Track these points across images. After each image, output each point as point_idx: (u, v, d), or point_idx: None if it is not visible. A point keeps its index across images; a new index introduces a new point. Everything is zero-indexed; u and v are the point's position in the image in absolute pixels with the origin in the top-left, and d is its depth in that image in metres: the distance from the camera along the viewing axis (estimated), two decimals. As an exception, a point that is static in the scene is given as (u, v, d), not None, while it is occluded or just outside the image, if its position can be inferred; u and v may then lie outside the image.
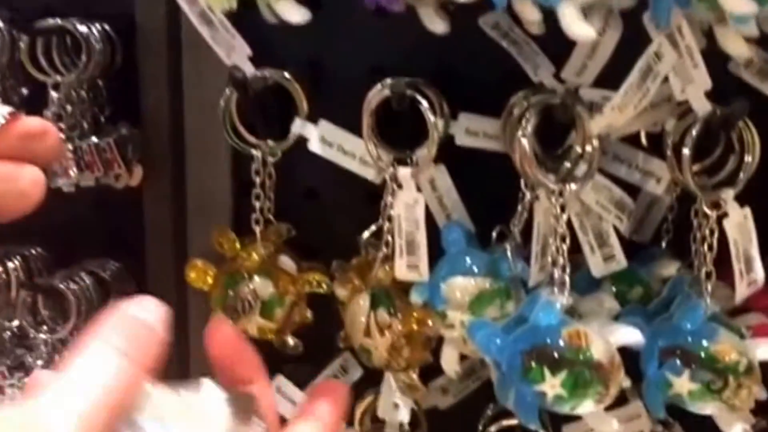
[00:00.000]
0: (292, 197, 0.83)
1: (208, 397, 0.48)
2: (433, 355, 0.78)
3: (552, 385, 0.67)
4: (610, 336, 0.68)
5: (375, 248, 0.76)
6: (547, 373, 0.66)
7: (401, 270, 0.73)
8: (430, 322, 0.72)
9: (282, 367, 0.82)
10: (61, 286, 0.88)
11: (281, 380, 0.82)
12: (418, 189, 0.73)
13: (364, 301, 0.74)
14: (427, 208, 0.75)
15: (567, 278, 0.68)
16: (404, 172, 0.72)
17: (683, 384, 0.70)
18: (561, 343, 0.66)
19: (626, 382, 0.69)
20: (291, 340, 0.80)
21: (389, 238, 0.73)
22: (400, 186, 0.72)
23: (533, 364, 0.67)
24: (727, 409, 0.71)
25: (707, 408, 0.71)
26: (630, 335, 0.69)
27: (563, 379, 0.66)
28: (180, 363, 0.86)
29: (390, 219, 0.72)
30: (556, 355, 0.66)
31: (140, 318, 0.45)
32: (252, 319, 0.79)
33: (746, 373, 0.69)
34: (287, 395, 0.82)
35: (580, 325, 0.67)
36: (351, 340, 0.74)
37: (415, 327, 0.73)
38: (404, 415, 0.79)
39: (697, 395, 0.70)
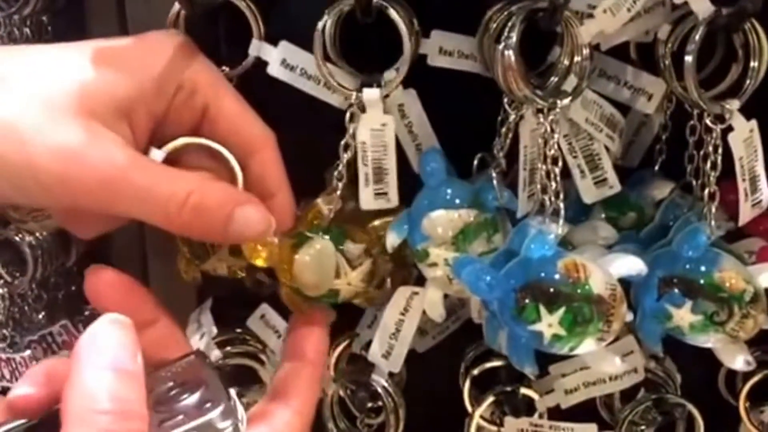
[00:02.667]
0: None
1: None
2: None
3: (549, 324, 0.57)
4: (609, 266, 0.59)
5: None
6: (543, 310, 0.57)
7: (368, 199, 0.62)
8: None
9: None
10: (17, 238, 0.79)
11: (266, 309, 0.72)
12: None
13: (323, 245, 0.62)
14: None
15: (561, 205, 0.58)
16: (371, 94, 0.61)
17: (684, 316, 0.61)
18: (557, 276, 0.57)
19: (629, 316, 0.60)
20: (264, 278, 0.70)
21: (342, 170, 0.62)
22: (364, 110, 0.61)
23: (527, 301, 0.57)
24: (731, 341, 0.62)
25: (709, 341, 0.62)
26: (632, 265, 0.59)
27: (561, 316, 0.56)
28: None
29: (347, 147, 0.62)
30: (552, 290, 0.57)
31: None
32: (221, 256, 0.69)
33: (752, 301, 0.60)
34: (271, 325, 0.73)
35: (577, 256, 0.58)
36: (310, 291, 0.63)
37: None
38: (395, 364, 0.69)
39: (699, 328, 0.61)
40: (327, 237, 0.61)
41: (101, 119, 0.52)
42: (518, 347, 0.60)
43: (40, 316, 0.82)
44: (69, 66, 0.53)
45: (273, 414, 0.55)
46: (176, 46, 0.57)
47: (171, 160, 0.57)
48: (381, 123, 0.61)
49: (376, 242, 0.62)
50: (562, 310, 0.56)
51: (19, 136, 0.50)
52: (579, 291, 0.56)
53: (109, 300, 0.54)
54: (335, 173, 0.62)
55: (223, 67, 0.64)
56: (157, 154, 0.56)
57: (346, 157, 0.61)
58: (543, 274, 0.57)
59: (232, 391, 0.50)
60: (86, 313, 0.82)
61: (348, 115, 0.61)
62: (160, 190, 0.52)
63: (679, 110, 0.64)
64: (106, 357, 0.46)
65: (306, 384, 0.58)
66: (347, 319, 0.73)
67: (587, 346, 0.58)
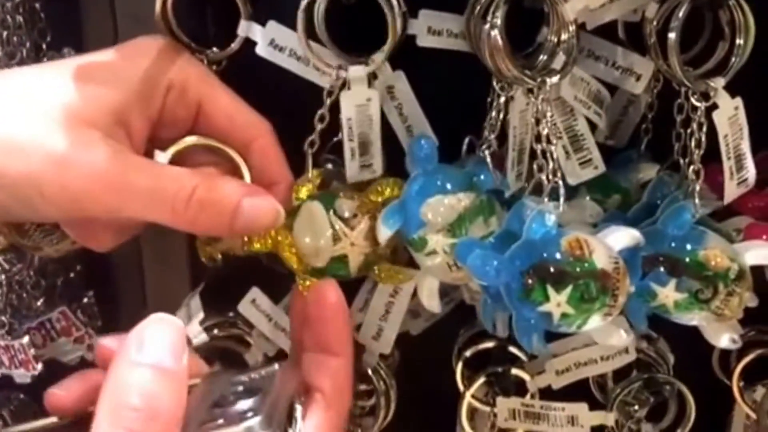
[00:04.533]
0: None
1: None
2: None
3: (557, 304, 0.55)
4: (607, 239, 0.57)
5: (334, 164, 0.64)
6: (550, 290, 0.55)
7: (353, 171, 0.61)
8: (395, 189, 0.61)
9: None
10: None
11: (257, 293, 0.69)
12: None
13: (311, 206, 0.59)
14: (384, 119, 0.62)
15: (560, 183, 0.57)
16: (355, 70, 0.59)
17: (668, 294, 0.60)
18: (561, 255, 0.55)
19: (631, 289, 0.58)
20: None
21: (315, 139, 0.60)
22: (349, 87, 0.59)
23: (534, 282, 0.55)
24: (716, 319, 0.61)
25: (694, 319, 0.61)
26: (629, 236, 0.58)
27: (568, 294, 0.55)
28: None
29: (322, 119, 0.60)
30: (557, 269, 0.55)
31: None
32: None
33: (737, 279, 0.59)
34: (262, 309, 0.69)
35: (579, 233, 0.56)
36: (314, 261, 0.60)
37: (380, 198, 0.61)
38: (386, 345, 0.67)
39: (684, 306, 0.60)
40: (315, 201, 0.59)
41: (99, 127, 0.51)
42: (528, 330, 0.58)
43: (39, 303, 0.79)
44: (61, 81, 0.53)
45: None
46: (160, 48, 0.57)
47: (176, 162, 0.56)
48: (366, 98, 0.59)
49: (369, 203, 0.60)
50: (569, 289, 0.54)
51: (21, 148, 0.50)
52: (584, 268, 0.55)
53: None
54: (307, 142, 0.60)
55: (213, 48, 0.62)
56: (162, 157, 0.56)
57: (320, 127, 0.60)
58: (546, 254, 0.55)
59: (298, 408, 0.49)
60: (85, 300, 0.80)
61: (327, 90, 0.60)
62: (164, 188, 0.52)
63: (668, 89, 0.63)
64: (146, 354, 0.44)
65: (337, 377, 0.53)
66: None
67: (594, 322, 0.56)
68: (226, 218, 0.52)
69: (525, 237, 0.55)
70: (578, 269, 0.54)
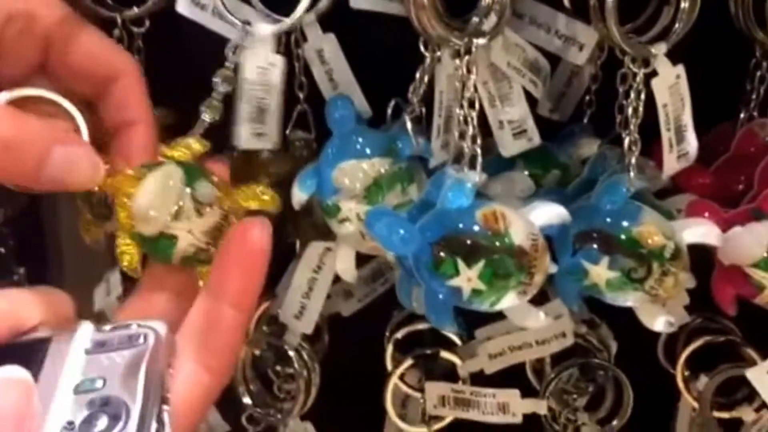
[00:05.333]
0: (170, 80, 0.63)
1: None
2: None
3: (468, 278, 0.51)
4: (529, 215, 0.53)
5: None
6: (461, 264, 0.51)
7: (244, 136, 0.56)
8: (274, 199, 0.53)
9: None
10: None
11: None
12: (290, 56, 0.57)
13: (173, 174, 0.49)
14: (313, 84, 0.59)
15: (478, 151, 0.53)
16: (261, 29, 0.54)
17: (600, 272, 0.55)
18: (475, 228, 0.51)
19: (553, 268, 0.54)
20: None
21: (216, 103, 0.54)
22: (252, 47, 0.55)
23: (444, 255, 0.51)
24: (650, 299, 0.56)
25: (628, 299, 0.57)
26: (554, 212, 0.54)
27: (480, 270, 0.51)
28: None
29: (226, 80, 0.54)
30: (470, 242, 0.51)
31: None
32: None
33: (672, 258, 0.55)
34: None
35: (497, 205, 0.52)
36: (142, 225, 0.49)
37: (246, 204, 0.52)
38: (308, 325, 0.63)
39: (616, 285, 0.55)
40: (179, 167, 0.50)
41: None
42: (436, 305, 0.54)
43: (-37, 280, 0.75)
44: None
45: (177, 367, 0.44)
46: None
47: None
48: (268, 62, 0.55)
49: (234, 203, 0.51)
50: (481, 263, 0.50)
51: None
52: (499, 242, 0.51)
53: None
54: (204, 104, 0.54)
55: (133, 8, 0.59)
56: None
57: (222, 90, 0.54)
58: (461, 226, 0.51)
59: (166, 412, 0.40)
60: (15, 277, 0.74)
61: (233, 47, 0.55)
62: None
63: (614, 60, 0.58)
64: None
65: (225, 335, 0.45)
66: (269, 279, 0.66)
67: (509, 300, 0.52)
68: (31, 165, 0.45)
69: (439, 206, 0.52)
70: (493, 243, 0.50)
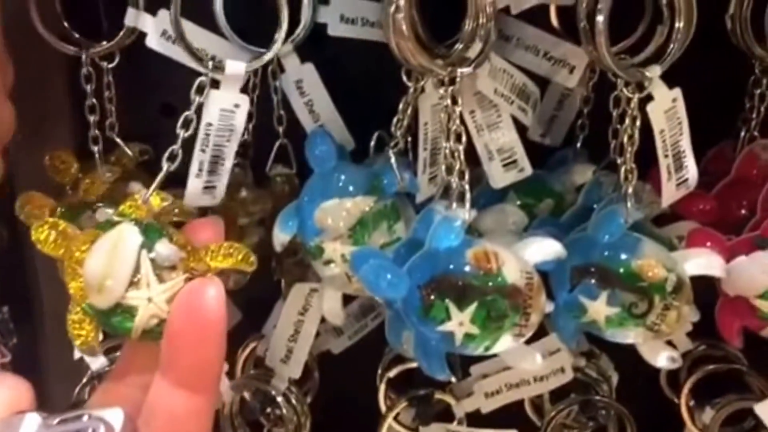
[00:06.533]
0: (145, 112, 0.63)
1: None
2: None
3: (460, 322, 0.48)
4: (523, 252, 0.50)
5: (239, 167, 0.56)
6: (452, 307, 0.47)
7: (194, 192, 0.50)
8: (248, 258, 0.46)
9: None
10: None
11: None
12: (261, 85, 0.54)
13: (126, 235, 0.43)
14: (293, 117, 0.56)
15: (467, 187, 0.49)
16: (232, 67, 0.50)
17: (599, 309, 0.52)
18: (466, 268, 0.47)
19: (549, 307, 0.51)
20: None
21: (177, 151, 0.48)
22: (217, 86, 0.50)
23: (434, 298, 0.47)
24: (652, 335, 0.53)
25: (629, 336, 0.53)
26: (548, 249, 0.50)
27: (473, 312, 0.47)
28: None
29: (187, 124, 0.49)
30: (461, 283, 0.47)
31: None
32: None
33: (674, 291, 0.51)
34: None
35: (488, 244, 0.49)
36: (95, 297, 0.43)
37: (226, 264, 0.44)
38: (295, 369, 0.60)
39: (616, 321, 0.52)
40: (134, 226, 0.44)
41: None
42: (428, 351, 0.51)
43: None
44: None
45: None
46: None
47: None
48: (233, 103, 0.50)
49: (202, 264, 0.44)
50: (473, 306, 0.47)
51: None
52: (492, 283, 0.47)
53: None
54: (166, 154, 0.48)
55: (103, 42, 0.56)
56: None
57: (182, 134, 0.48)
58: (451, 267, 0.47)
59: None
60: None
61: (196, 86, 0.50)
62: None
63: (606, 82, 0.55)
64: None
65: (183, 425, 0.39)
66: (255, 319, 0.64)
67: (504, 343, 0.49)
68: None
69: (427, 246, 0.48)
70: (485, 284, 0.47)
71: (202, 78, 0.49)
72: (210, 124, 0.50)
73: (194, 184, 0.50)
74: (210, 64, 0.49)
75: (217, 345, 0.38)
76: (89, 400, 0.43)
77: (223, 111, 0.50)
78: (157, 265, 0.42)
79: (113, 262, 0.42)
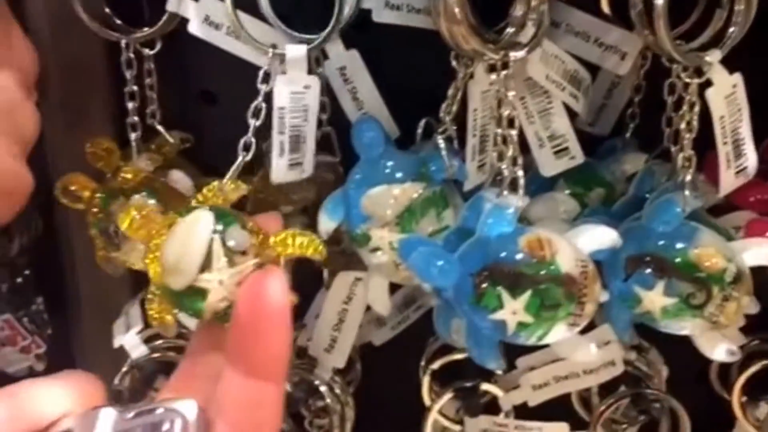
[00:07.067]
0: (185, 101, 0.62)
1: None
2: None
3: (513, 311, 0.47)
4: (577, 240, 0.49)
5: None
6: (505, 296, 0.46)
7: (280, 170, 0.51)
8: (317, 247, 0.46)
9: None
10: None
11: None
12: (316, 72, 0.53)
13: (201, 221, 0.44)
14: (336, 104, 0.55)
15: (520, 173, 0.48)
16: (294, 51, 0.50)
17: (655, 299, 0.51)
18: (519, 256, 0.47)
19: (604, 296, 0.49)
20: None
21: (250, 141, 0.50)
22: (284, 71, 0.50)
23: (487, 286, 0.46)
24: (710, 327, 0.52)
25: (685, 327, 0.52)
26: (603, 236, 0.49)
27: (526, 301, 0.46)
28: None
29: (257, 113, 0.50)
30: (514, 271, 0.46)
31: None
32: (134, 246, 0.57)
33: (734, 282, 0.50)
34: None
35: (542, 231, 0.48)
36: (170, 278, 0.44)
37: (295, 253, 0.45)
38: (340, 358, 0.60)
39: (673, 312, 0.51)
40: (208, 213, 0.44)
41: None
42: (479, 340, 0.50)
43: (-21, 311, 0.73)
44: None
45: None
46: None
47: None
48: (303, 85, 0.51)
49: (271, 251, 0.45)
50: (527, 294, 0.46)
51: None
52: (545, 271, 0.46)
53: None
54: (241, 143, 0.49)
55: (144, 28, 0.56)
56: None
57: (254, 123, 0.50)
58: (503, 254, 0.47)
59: None
60: (33, 307, 0.72)
61: (262, 75, 0.50)
62: None
63: (658, 69, 0.54)
64: None
65: (256, 412, 0.40)
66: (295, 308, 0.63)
67: (558, 333, 0.48)
68: None
69: (479, 234, 0.47)
70: (538, 272, 0.46)
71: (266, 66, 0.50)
72: (282, 108, 0.50)
73: (279, 162, 0.51)
74: (270, 51, 0.50)
75: (282, 334, 0.38)
76: (161, 393, 0.43)
77: (294, 93, 0.50)
78: (228, 249, 0.43)
79: (188, 245, 0.43)
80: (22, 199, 0.47)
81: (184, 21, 0.54)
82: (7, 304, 0.72)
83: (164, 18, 0.55)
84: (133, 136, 0.58)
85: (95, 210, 0.58)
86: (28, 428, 0.37)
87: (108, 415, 0.37)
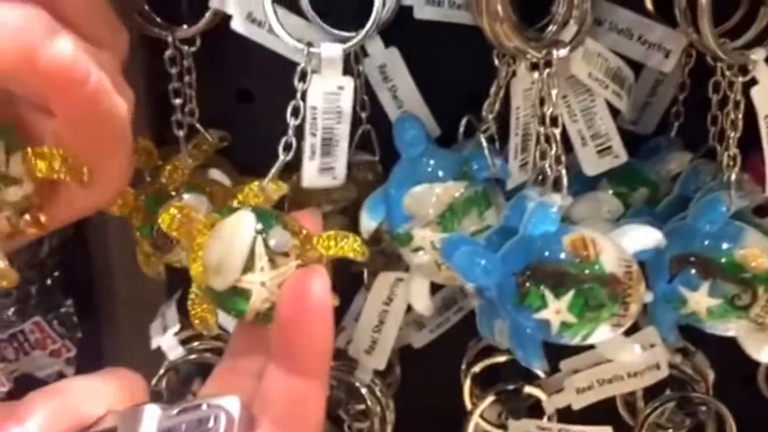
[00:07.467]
0: (222, 99, 0.61)
1: None
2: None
3: (557, 310, 0.46)
4: (621, 239, 0.48)
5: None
6: (549, 295, 0.46)
7: (311, 174, 0.51)
8: (360, 248, 0.46)
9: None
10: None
11: None
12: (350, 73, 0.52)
13: (243, 222, 0.44)
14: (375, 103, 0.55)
15: (563, 172, 0.48)
16: (329, 50, 0.50)
17: (700, 300, 0.51)
18: (563, 255, 0.46)
19: (648, 297, 0.49)
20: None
21: (291, 140, 0.50)
22: (318, 70, 0.50)
23: (530, 285, 0.46)
24: (756, 328, 0.51)
25: (730, 328, 0.52)
26: (648, 237, 0.49)
27: (570, 300, 0.46)
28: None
29: (296, 112, 0.50)
30: (558, 271, 0.46)
31: None
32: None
33: (780, 283, 0.50)
34: None
35: (585, 230, 0.47)
36: (212, 279, 0.44)
37: (338, 254, 0.46)
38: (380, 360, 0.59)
39: (718, 313, 0.51)
40: (251, 213, 0.45)
41: None
42: (523, 340, 0.49)
43: (10, 313, 0.71)
44: None
45: None
46: None
47: None
48: (337, 86, 0.50)
49: (314, 252, 0.45)
50: (571, 294, 0.46)
51: None
52: (589, 270, 0.46)
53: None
54: (282, 143, 0.49)
55: (184, 26, 0.55)
56: None
57: (294, 123, 0.50)
58: (547, 254, 0.46)
59: None
60: (62, 309, 0.72)
61: (299, 73, 0.50)
62: None
63: (702, 67, 0.54)
64: None
65: (298, 409, 0.40)
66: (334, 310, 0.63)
67: (602, 333, 0.47)
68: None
69: (522, 233, 0.47)
70: (582, 272, 0.45)
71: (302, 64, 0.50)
72: (315, 108, 0.50)
73: (309, 166, 0.51)
74: (306, 50, 0.49)
75: (325, 331, 0.39)
76: (202, 390, 0.44)
77: (327, 94, 0.50)
78: (270, 250, 0.43)
79: (230, 246, 0.44)
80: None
81: (222, 18, 0.54)
82: (36, 306, 0.72)
83: (207, 14, 0.54)
84: (180, 133, 0.57)
85: (140, 215, 0.58)
86: (74, 425, 0.37)
87: (152, 412, 0.37)
